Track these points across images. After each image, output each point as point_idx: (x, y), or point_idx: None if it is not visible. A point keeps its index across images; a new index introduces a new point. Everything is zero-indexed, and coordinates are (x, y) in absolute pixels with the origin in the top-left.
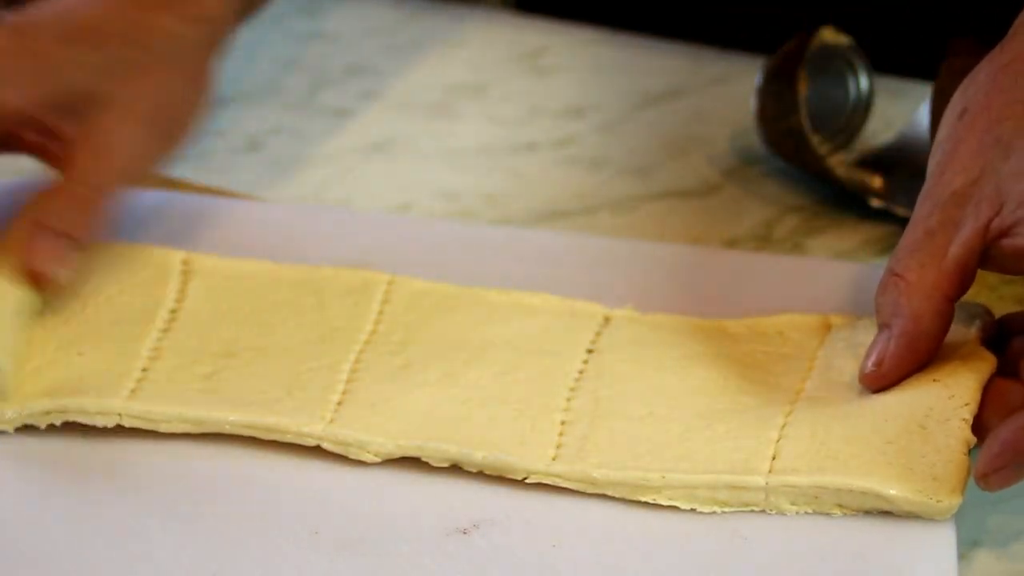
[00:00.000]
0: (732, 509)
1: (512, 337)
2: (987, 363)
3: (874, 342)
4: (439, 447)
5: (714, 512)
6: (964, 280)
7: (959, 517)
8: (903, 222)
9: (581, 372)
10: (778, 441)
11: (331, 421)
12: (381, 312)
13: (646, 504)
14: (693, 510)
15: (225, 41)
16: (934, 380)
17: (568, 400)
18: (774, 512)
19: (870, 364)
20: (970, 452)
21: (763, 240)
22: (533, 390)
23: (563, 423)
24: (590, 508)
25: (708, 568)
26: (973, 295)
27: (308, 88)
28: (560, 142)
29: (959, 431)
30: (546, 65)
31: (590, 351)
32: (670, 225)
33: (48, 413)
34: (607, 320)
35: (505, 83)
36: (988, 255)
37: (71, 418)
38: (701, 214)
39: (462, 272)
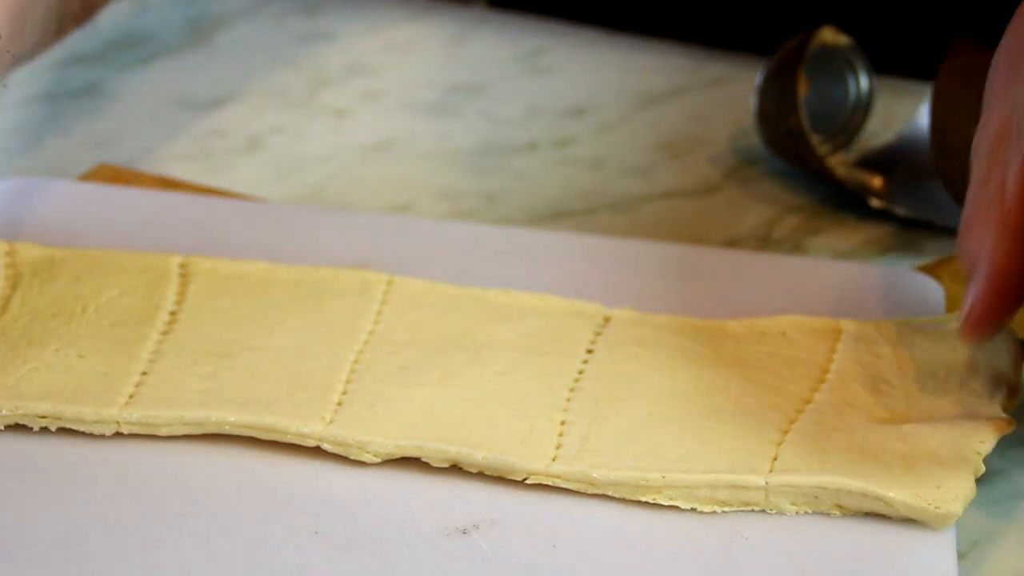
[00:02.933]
0: (732, 509)
1: (512, 337)
2: (1009, 425)
3: (964, 297)
4: (439, 447)
5: (714, 512)
6: None
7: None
8: (903, 222)
9: (581, 372)
10: (780, 444)
11: (331, 422)
12: (380, 312)
13: (646, 504)
14: (693, 510)
15: None
16: (954, 420)
17: (568, 400)
18: (774, 512)
19: (964, 315)
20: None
21: (763, 240)
22: (533, 390)
23: (563, 423)
24: (590, 508)
25: (708, 568)
26: None
27: (308, 88)
28: (560, 142)
29: (971, 462)
30: (546, 65)
31: (590, 351)
32: (670, 225)
33: (44, 417)
34: (607, 320)
35: (505, 83)
36: None
37: (67, 425)
38: (701, 214)
39: (462, 272)
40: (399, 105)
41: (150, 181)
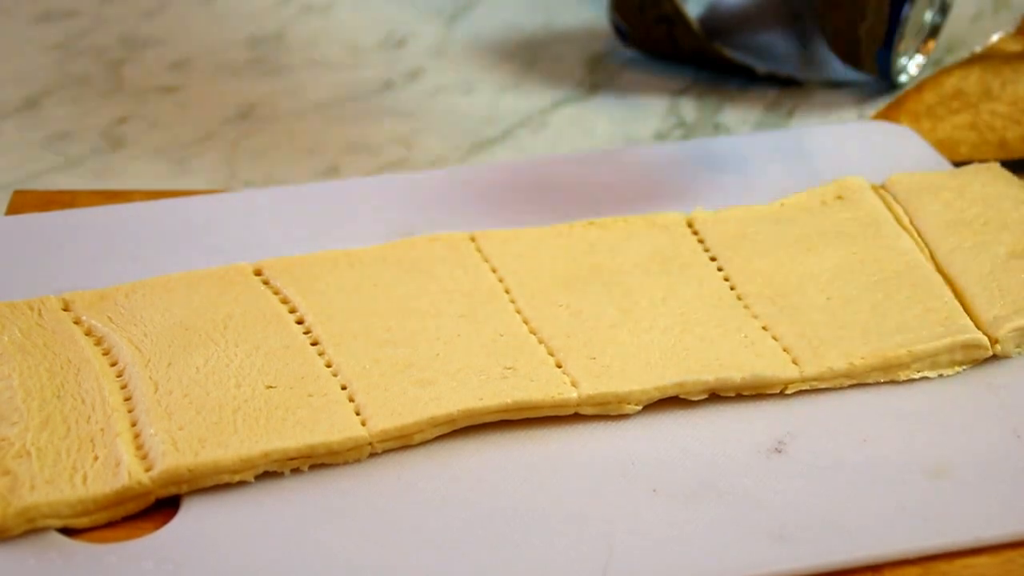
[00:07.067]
0: (966, 367)
1: (628, 261)
2: None
3: None
4: (698, 379)
5: (956, 373)
6: None
7: None
8: (783, 83)
9: (727, 279)
10: (956, 298)
11: (574, 383)
12: (494, 269)
13: (885, 384)
14: (940, 376)
15: None
16: None
17: (746, 307)
18: (1003, 358)
19: None
20: None
21: (688, 128)
22: (706, 305)
23: (765, 328)
24: (841, 399)
25: (982, 419)
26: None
27: None
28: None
29: None
30: None
31: (712, 258)
32: (580, 132)
33: (293, 459)
34: (691, 224)
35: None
36: None
37: (320, 460)
38: (598, 119)
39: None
40: None
41: (91, 198)
